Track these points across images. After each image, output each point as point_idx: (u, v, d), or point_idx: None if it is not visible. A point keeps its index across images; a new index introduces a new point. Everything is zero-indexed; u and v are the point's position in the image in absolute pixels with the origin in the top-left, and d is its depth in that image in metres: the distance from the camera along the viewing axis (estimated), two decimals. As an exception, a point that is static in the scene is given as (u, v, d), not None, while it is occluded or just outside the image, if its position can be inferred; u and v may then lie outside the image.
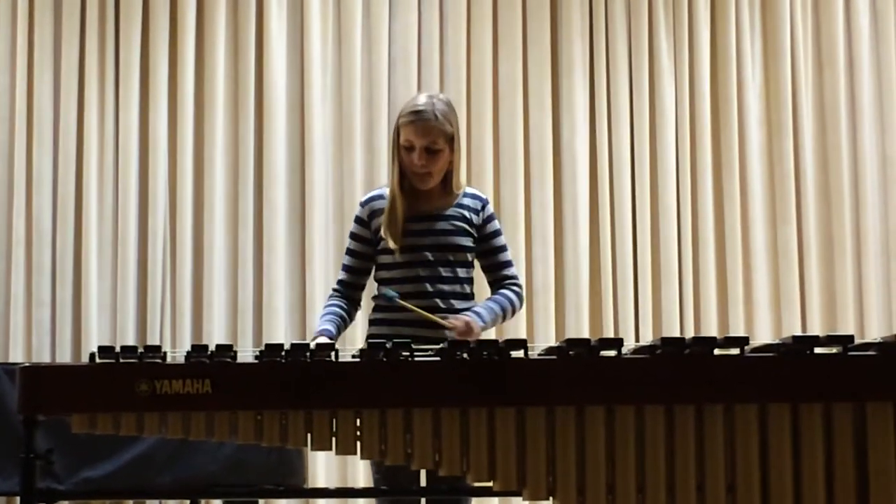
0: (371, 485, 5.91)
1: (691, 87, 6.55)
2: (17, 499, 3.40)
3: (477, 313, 3.98)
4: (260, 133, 6.33)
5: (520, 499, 3.15)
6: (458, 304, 4.01)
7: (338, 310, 4.07)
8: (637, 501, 3.06)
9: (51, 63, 6.26)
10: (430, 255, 3.99)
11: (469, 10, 6.48)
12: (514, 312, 4.13)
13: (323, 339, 3.82)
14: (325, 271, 6.26)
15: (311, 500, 6.15)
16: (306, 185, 6.29)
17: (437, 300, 3.98)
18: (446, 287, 4.00)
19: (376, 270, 4.10)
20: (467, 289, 4.07)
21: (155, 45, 6.29)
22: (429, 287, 3.98)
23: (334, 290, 4.15)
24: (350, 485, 6.08)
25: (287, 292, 6.25)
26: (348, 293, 4.12)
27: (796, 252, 6.49)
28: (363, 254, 4.09)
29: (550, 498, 3.09)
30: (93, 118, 6.24)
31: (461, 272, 4.04)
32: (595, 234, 6.44)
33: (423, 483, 3.91)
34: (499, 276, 4.14)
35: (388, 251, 4.00)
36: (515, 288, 4.14)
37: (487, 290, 4.17)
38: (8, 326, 6.10)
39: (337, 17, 6.43)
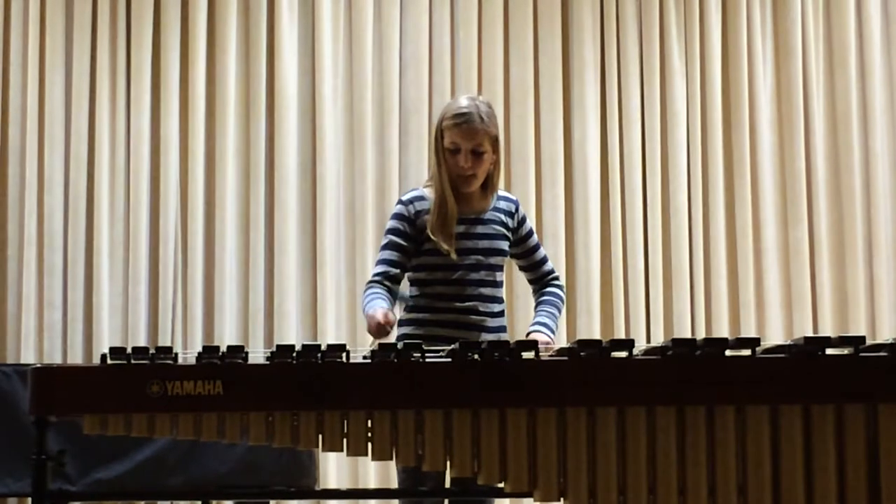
0: (382, 486, 5.95)
1: (702, 88, 6.55)
2: (29, 500, 3.40)
3: (545, 325, 4.03)
4: (271, 134, 6.33)
5: (531, 500, 3.15)
6: (495, 307, 4.04)
7: (385, 292, 3.95)
8: (648, 503, 3.06)
9: (62, 64, 6.28)
10: (473, 259, 3.99)
11: (480, 12, 6.48)
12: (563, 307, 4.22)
13: (378, 314, 3.76)
14: (337, 273, 6.27)
15: (322, 502, 6.16)
16: (317, 186, 6.30)
17: (477, 303, 3.99)
18: (486, 291, 4.01)
19: (414, 271, 4.05)
20: (500, 292, 4.09)
21: (166, 46, 6.30)
22: (470, 290, 3.98)
23: (374, 281, 4.00)
24: (361, 486, 6.09)
25: (298, 294, 6.26)
26: (389, 285, 4.00)
27: (808, 253, 6.49)
28: (407, 249, 4.01)
29: (561, 499, 3.08)
30: (104, 119, 6.25)
31: (498, 276, 4.07)
32: (606, 235, 6.44)
33: (447, 485, 3.90)
34: (540, 274, 4.20)
35: (433, 253, 3.98)
36: (558, 282, 4.22)
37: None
38: (20, 328, 6.11)
39: (348, 19, 6.44)
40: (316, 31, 6.38)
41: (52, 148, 6.21)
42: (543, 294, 4.19)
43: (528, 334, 4.01)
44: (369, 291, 3.97)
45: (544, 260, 4.22)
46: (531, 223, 4.23)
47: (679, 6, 6.57)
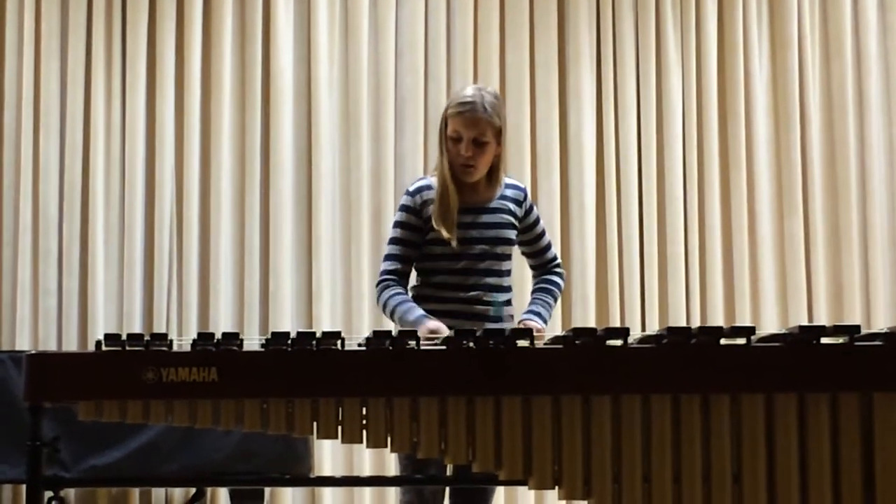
0: (377, 473, 5.96)
1: (698, 78, 6.54)
2: (24, 486, 3.40)
3: (538, 314, 4.03)
4: (267, 122, 6.33)
5: (525, 488, 3.15)
6: (499, 296, 4.02)
7: (405, 292, 3.97)
8: (643, 491, 3.06)
9: (58, 50, 6.26)
10: (478, 248, 3.99)
11: (476, 0, 6.47)
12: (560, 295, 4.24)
13: (434, 323, 3.76)
14: (332, 260, 6.27)
15: (316, 489, 6.17)
16: (313, 174, 6.29)
17: (481, 293, 3.98)
18: (491, 280, 4.00)
19: (419, 260, 4.04)
20: (507, 282, 4.08)
21: (162, 32, 6.29)
22: (475, 280, 3.97)
23: (390, 279, 3.99)
24: (356, 473, 6.09)
25: (293, 281, 6.25)
26: (402, 282, 4.00)
27: (803, 242, 6.49)
28: (415, 243, 4.01)
29: (556, 487, 3.09)
30: (100, 106, 6.24)
31: (504, 265, 4.06)
32: (602, 225, 6.43)
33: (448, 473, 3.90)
34: (544, 261, 4.21)
35: (438, 242, 3.96)
36: (559, 269, 4.23)
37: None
38: (14, 314, 6.11)
39: (344, 6, 6.42)
40: (312, 17, 6.37)
41: (48, 134, 6.20)
42: (542, 281, 4.19)
43: (520, 322, 4.01)
44: (393, 293, 3.95)
45: (548, 247, 4.22)
46: (538, 210, 4.23)
47: (675, -5, 6.58)
